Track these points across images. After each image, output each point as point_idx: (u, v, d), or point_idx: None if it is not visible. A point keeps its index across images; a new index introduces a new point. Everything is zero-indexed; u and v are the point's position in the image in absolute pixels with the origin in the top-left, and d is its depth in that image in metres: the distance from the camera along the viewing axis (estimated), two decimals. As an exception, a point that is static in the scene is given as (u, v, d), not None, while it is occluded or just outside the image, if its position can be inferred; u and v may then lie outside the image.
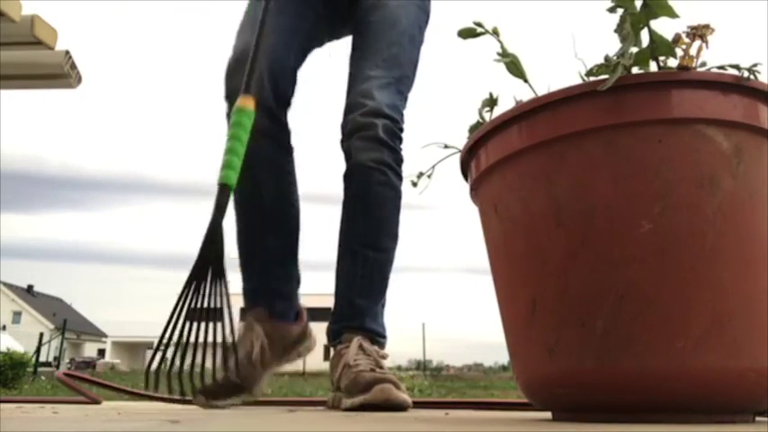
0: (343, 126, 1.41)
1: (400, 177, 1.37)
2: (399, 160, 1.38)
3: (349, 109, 1.39)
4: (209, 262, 0.96)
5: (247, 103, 1.09)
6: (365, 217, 1.34)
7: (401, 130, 1.40)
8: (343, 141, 1.41)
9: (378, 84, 1.38)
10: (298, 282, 1.42)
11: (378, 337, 1.29)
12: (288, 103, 1.41)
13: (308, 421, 0.73)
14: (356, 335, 1.24)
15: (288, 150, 1.43)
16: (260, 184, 1.35)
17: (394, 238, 1.38)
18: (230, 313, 0.95)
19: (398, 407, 1.08)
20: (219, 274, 0.95)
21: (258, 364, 1.25)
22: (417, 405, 1.27)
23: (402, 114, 1.41)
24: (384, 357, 1.23)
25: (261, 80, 1.27)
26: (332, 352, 1.32)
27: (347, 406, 1.11)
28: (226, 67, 1.34)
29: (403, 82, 1.44)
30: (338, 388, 1.21)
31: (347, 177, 1.38)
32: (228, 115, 1.28)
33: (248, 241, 1.37)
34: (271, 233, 1.37)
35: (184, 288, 0.94)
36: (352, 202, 1.36)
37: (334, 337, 1.31)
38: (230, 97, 1.31)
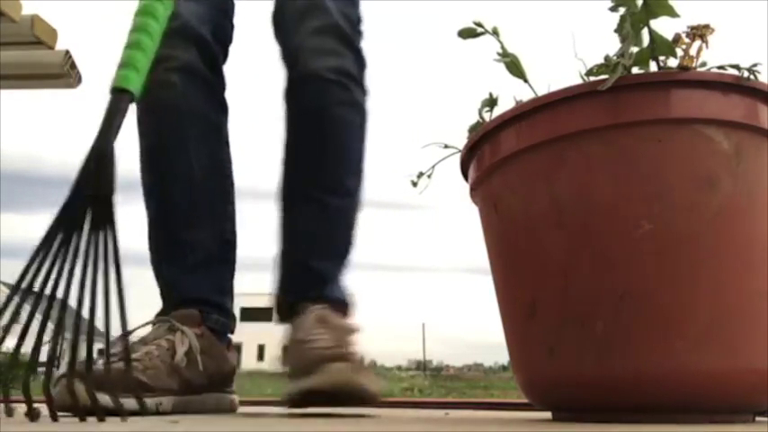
0: (279, 11, 1.01)
1: (366, 91, 1.01)
2: (364, 66, 1.01)
3: None
4: (92, 199, 0.64)
5: None
6: (322, 150, 0.96)
7: (360, 21, 1.02)
8: (279, 36, 1.01)
9: None
10: (231, 294, 1.03)
11: (343, 308, 0.96)
12: (226, 48, 1.06)
13: (308, 421, 0.73)
14: (313, 304, 0.90)
15: (223, 107, 1.05)
16: (188, 148, 0.97)
17: (359, 175, 1.01)
18: (120, 277, 0.65)
19: (359, 396, 0.76)
20: (108, 220, 0.64)
21: (178, 373, 0.86)
22: (417, 405, 1.27)
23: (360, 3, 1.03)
24: (353, 332, 0.88)
25: (190, 10, 0.97)
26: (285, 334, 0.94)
27: (284, 395, 0.82)
28: None
29: None
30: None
31: (292, 92, 0.99)
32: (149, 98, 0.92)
33: (168, 231, 0.99)
34: (200, 220, 0.98)
35: (50, 236, 0.63)
36: (302, 128, 0.98)
37: (288, 312, 0.93)
38: (162, 63, 0.91)
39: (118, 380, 0.74)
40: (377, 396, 0.79)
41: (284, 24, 1.00)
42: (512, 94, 0.78)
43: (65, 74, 1.27)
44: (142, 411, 0.73)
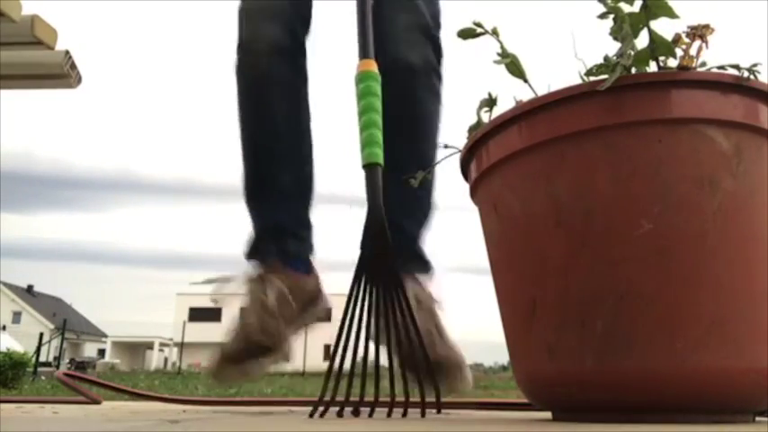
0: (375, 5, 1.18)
1: (442, 80, 1.18)
2: (441, 56, 1.17)
3: None
4: (380, 261, 0.83)
5: (371, 66, 0.95)
6: (411, 129, 1.11)
7: (440, 14, 1.18)
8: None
9: None
10: (310, 227, 1.22)
11: (429, 267, 1.15)
12: (308, 22, 1.22)
13: (307, 421, 0.73)
14: (408, 275, 1.06)
15: (304, 75, 1.23)
16: (272, 106, 1.18)
17: (436, 148, 1.17)
18: (412, 315, 0.81)
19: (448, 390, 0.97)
20: (395, 276, 0.83)
21: (279, 315, 1.05)
22: (418, 405, 1.27)
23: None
24: (440, 307, 1.08)
25: None
26: None
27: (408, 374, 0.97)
28: (243, 8, 1.18)
29: None
30: None
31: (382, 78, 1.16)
32: (240, 66, 1.17)
33: (256, 172, 1.18)
34: (282, 163, 1.17)
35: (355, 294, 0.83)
36: (395, 109, 1.08)
37: None
38: (251, 44, 1.16)
39: (252, 350, 0.99)
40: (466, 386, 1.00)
41: (379, 18, 1.12)
42: (512, 94, 0.78)
43: (65, 74, 1.26)
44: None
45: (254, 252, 1.15)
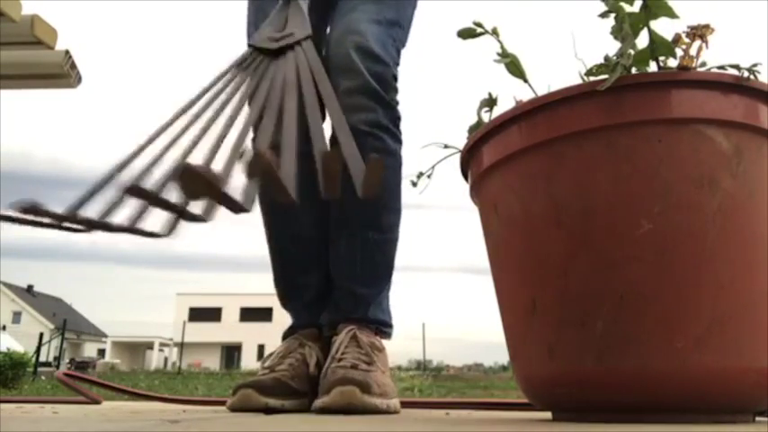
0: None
1: (399, 141, 1.16)
2: (397, 119, 1.15)
3: (327, 49, 1.13)
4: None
5: None
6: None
7: (395, 78, 1.15)
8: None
9: (366, 17, 1.11)
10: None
11: (384, 327, 1.14)
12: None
13: (307, 422, 0.73)
14: (352, 324, 1.07)
15: None
16: (298, 216, 1.20)
17: (397, 213, 1.18)
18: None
19: (368, 414, 0.90)
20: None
21: (310, 379, 1.05)
22: (417, 405, 1.27)
23: (395, 61, 1.16)
24: (380, 350, 1.07)
25: None
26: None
27: (312, 408, 1.00)
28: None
29: (396, 29, 1.19)
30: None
31: (332, 144, 1.16)
32: None
33: (286, 278, 1.22)
34: (312, 269, 1.19)
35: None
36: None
37: (332, 327, 1.12)
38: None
39: (278, 387, 1.00)
40: (385, 413, 0.93)
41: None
42: (512, 94, 0.78)
43: (65, 74, 1.26)
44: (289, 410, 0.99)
45: (290, 333, 1.18)
